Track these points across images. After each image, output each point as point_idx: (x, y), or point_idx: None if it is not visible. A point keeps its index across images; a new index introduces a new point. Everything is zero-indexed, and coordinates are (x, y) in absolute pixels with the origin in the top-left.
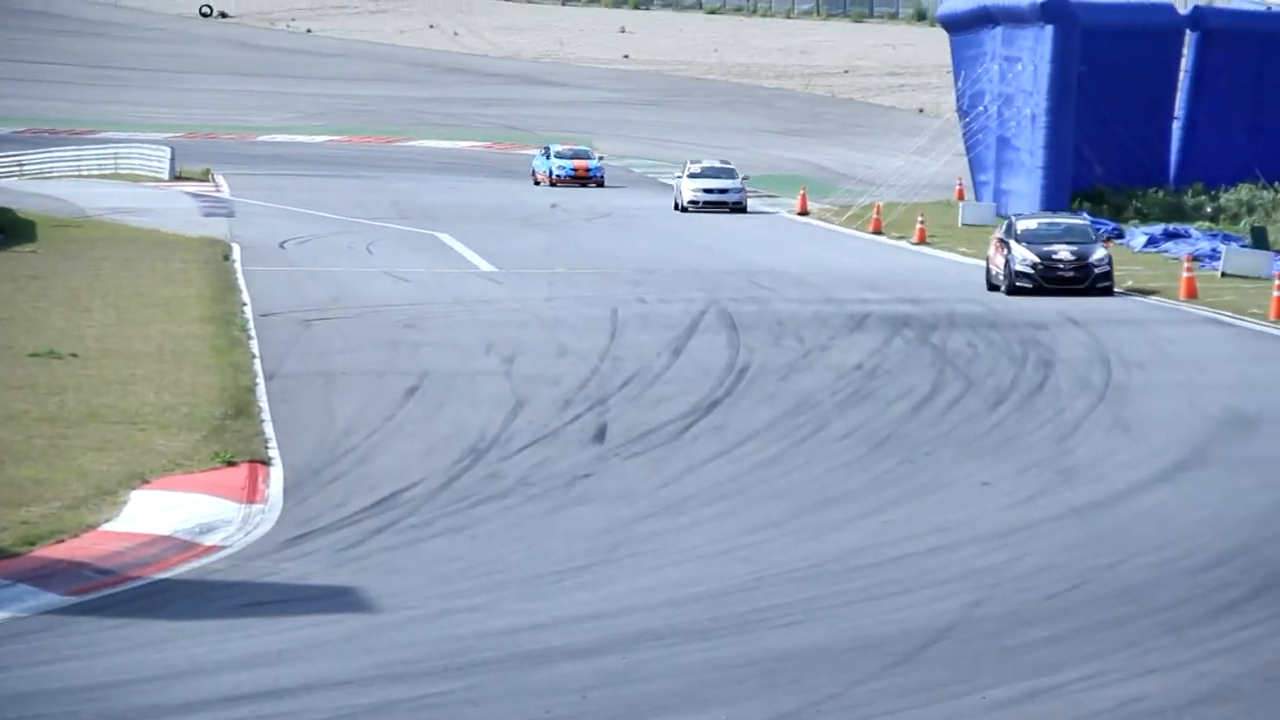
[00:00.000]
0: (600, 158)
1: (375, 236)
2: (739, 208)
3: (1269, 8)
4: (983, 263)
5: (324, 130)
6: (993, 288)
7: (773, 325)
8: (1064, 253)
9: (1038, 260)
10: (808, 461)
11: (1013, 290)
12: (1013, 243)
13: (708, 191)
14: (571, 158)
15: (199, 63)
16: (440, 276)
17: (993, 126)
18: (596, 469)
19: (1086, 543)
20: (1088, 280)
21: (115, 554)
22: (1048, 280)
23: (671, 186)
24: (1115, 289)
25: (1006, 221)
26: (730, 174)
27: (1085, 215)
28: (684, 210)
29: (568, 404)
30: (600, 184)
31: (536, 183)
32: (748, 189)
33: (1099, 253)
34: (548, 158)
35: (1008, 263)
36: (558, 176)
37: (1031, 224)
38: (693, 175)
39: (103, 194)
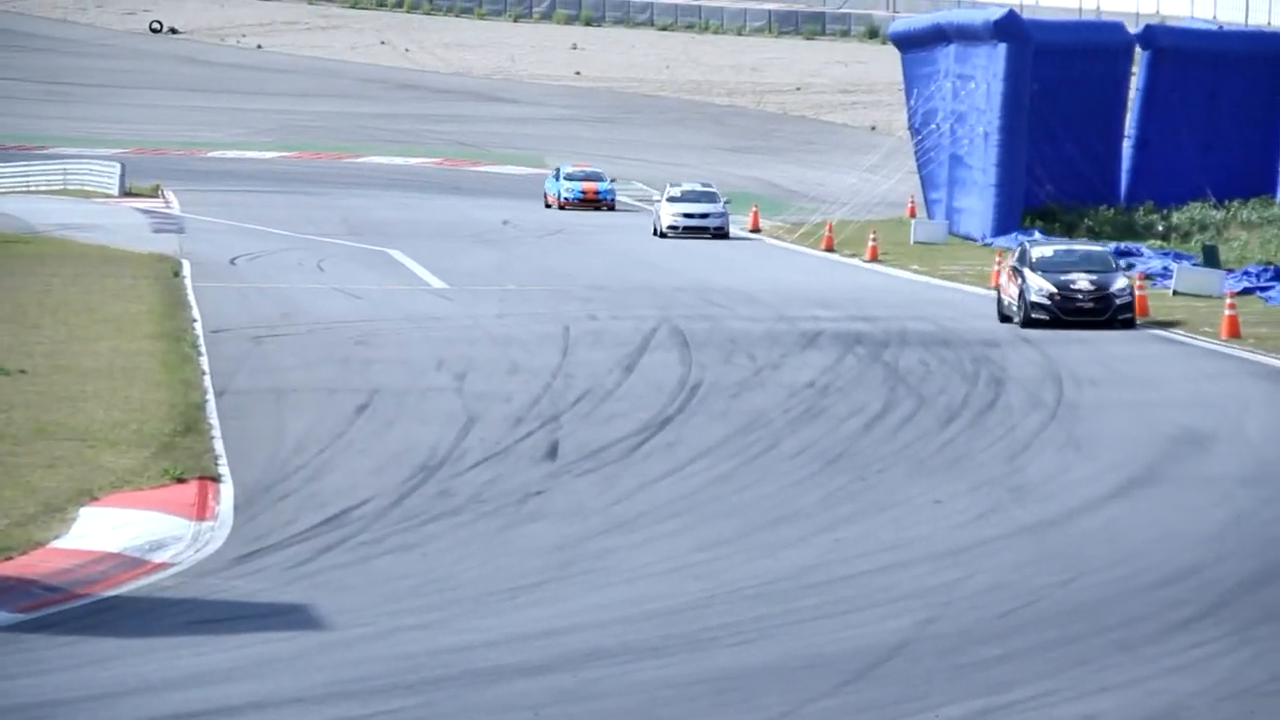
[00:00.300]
0: (613, 180)
1: (326, 253)
2: (721, 233)
3: (1220, 26)
4: (934, 280)
5: (274, 146)
6: (1004, 319)
7: (725, 343)
8: (1083, 282)
9: (1055, 290)
10: (760, 479)
11: (1029, 322)
12: (1027, 271)
13: (688, 216)
14: (581, 179)
15: (149, 79)
16: (391, 293)
17: (945, 144)
18: (548, 486)
19: (1038, 560)
20: (1109, 312)
21: (64, 571)
22: (1066, 312)
23: (626, 204)
24: (1137, 321)
25: (1020, 248)
26: (712, 198)
27: (1105, 243)
28: (663, 236)
29: (519, 421)
30: (611, 207)
31: (547, 205)
32: (730, 212)
33: (1120, 282)
34: (558, 179)
35: (1022, 293)
36: (566, 199)
37: (1047, 251)
38: (672, 199)
39: (52, 210)
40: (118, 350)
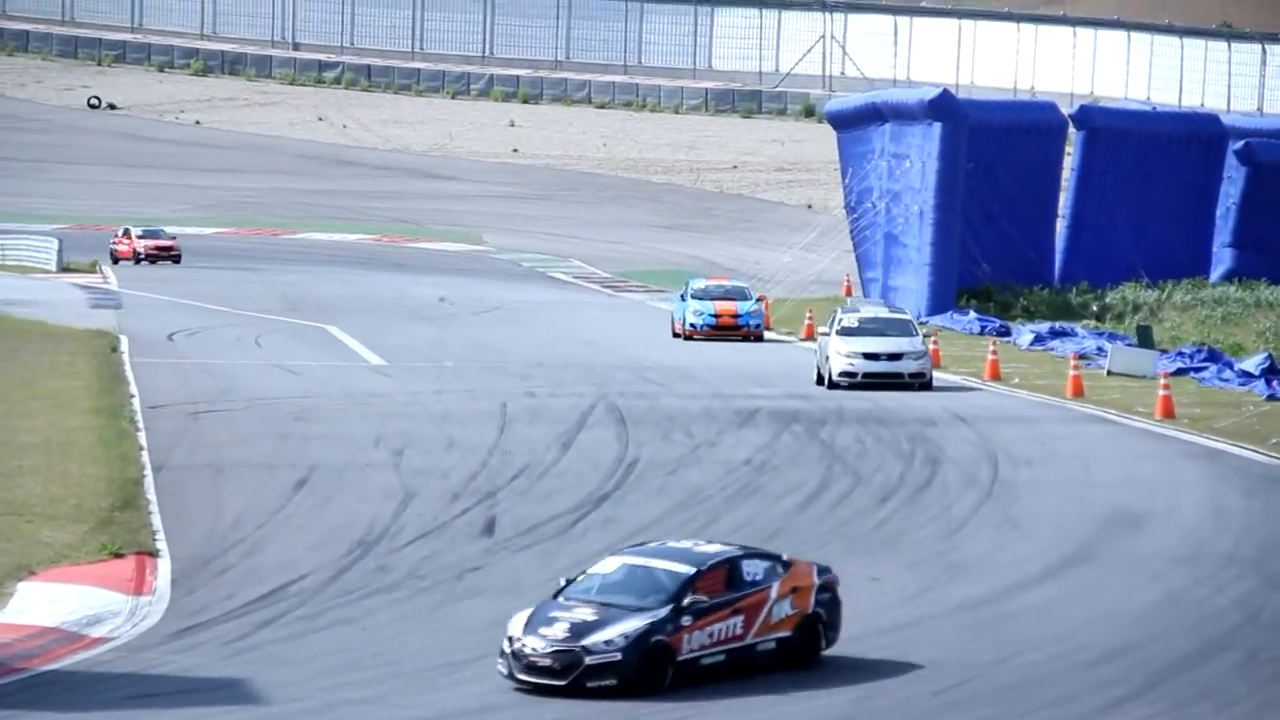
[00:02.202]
0: (759, 299)
1: (265, 329)
2: (757, 335)
3: (1154, 107)
4: None
5: (213, 222)
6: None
7: (662, 420)
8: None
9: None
10: None
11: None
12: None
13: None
14: (717, 298)
15: (87, 154)
16: (330, 369)
17: (880, 223)
18: (486, 562)
19: (974, 639)
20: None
21: (2, 645)
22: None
23: (561, 279)
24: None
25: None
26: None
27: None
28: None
29: (457, 497)
30: (759, 337)
31: (675, 334)
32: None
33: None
34: (684, 298)
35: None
36: (694, 326)
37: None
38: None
39: None
40: (55, 425)
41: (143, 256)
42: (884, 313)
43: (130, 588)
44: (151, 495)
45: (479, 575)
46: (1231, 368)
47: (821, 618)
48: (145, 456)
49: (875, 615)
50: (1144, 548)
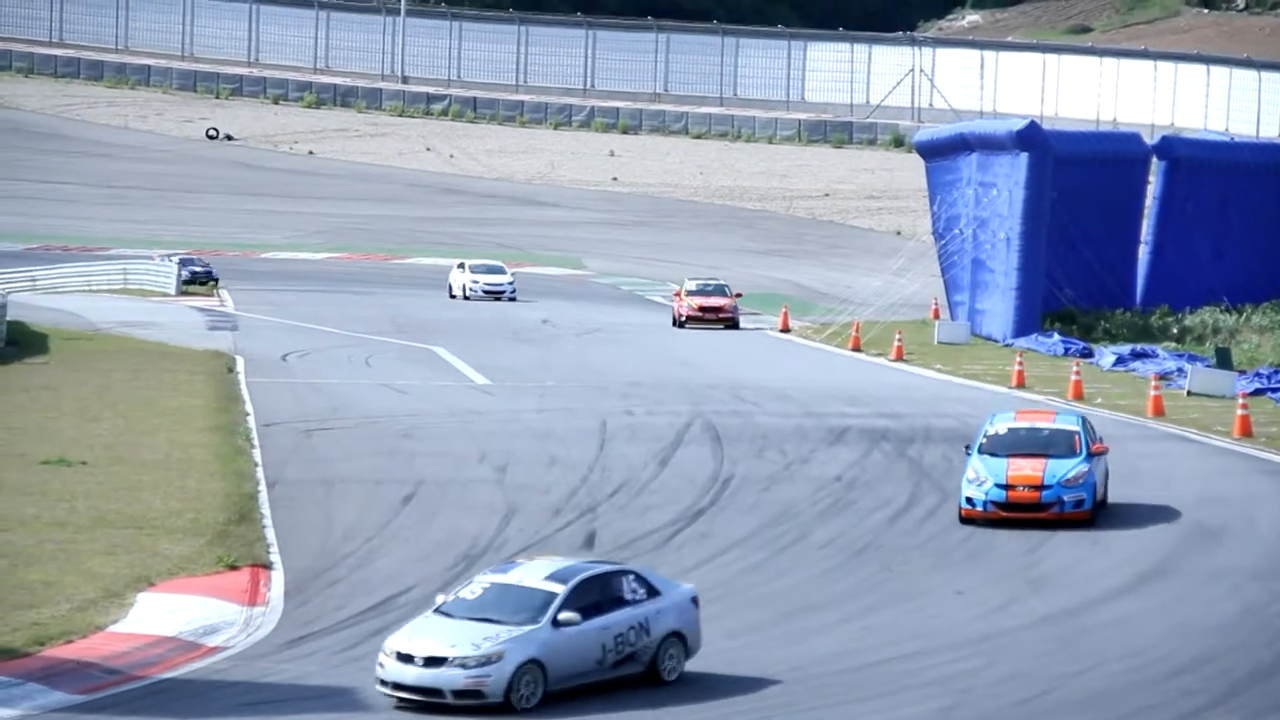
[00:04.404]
0: (738, 295)
1: (374, 350)
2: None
3: (1232, 138)
4: (957, 379)
5: (325, 248)
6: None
7: (756, 438)
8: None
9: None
10: (789, 569)
11: (681, 326)
12: (684, 295)
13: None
14: (702, 293)
15: (205, 183)
16: (436, 389)
17: (968, 249)
18: None
19: (1055, 650)
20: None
21: (122, 654)
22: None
23: (660, 303)
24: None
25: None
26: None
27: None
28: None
29: (558, 512)
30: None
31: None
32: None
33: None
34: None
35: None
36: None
37: (693, 284)
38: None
39: (112, 308)
40: (174, 442)
41: None
42: (709, 282)
43: (245, 599)
44: (265, 510)
45: None
46: None
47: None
48: (260, 472)
49: (960, 627)
50: (1222, 562)
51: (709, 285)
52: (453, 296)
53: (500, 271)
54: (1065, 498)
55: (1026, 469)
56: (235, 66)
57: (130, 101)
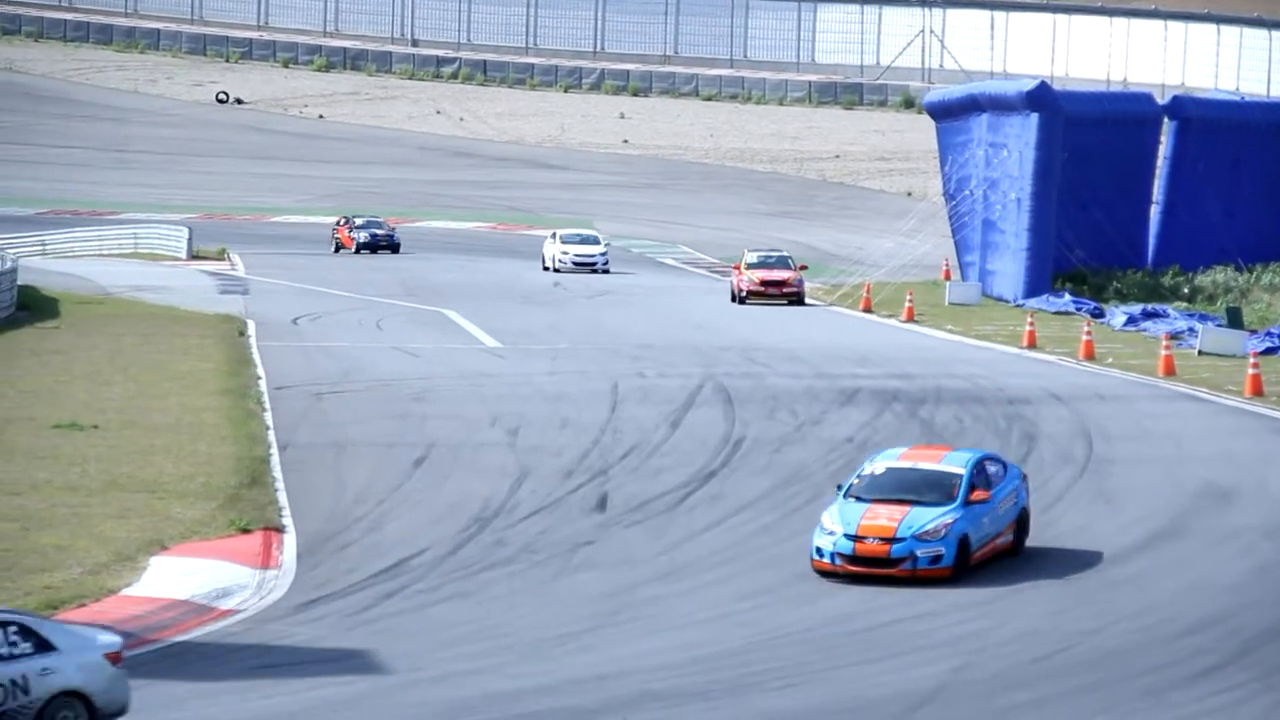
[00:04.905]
0: (607, 244)
1: (384, 313)
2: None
3: (1243, 98)
4: (968, 339)
5: (335, 211)
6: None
7: (767, 399)
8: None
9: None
10: (801, 530)
11: (742, 301)
12: (744, 269)
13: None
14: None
15: (215, 147)
16: (447, 352)
17: (978, 210)
18: (598, 537)
19: (1069, 609)
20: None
21: (135, 618)
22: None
23: (671, 265)
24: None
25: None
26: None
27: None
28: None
29: (570, 474)
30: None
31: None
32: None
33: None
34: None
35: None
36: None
37: (754, 258)
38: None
39: (123, 272)
40: (186, 406)
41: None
42: (772, 253)
43: (257, 562)
44: (277, 473)
45: (591, 550)
46: None
47: None
48: (271, 436)
49: (973, 587)
50: (1234, 521)
51: (771, 257)
52: (545, 269)
53: (594, 242)
54: (919, 553)
55: (883, 518)
56: (245, 30)
57: (140, 65)
